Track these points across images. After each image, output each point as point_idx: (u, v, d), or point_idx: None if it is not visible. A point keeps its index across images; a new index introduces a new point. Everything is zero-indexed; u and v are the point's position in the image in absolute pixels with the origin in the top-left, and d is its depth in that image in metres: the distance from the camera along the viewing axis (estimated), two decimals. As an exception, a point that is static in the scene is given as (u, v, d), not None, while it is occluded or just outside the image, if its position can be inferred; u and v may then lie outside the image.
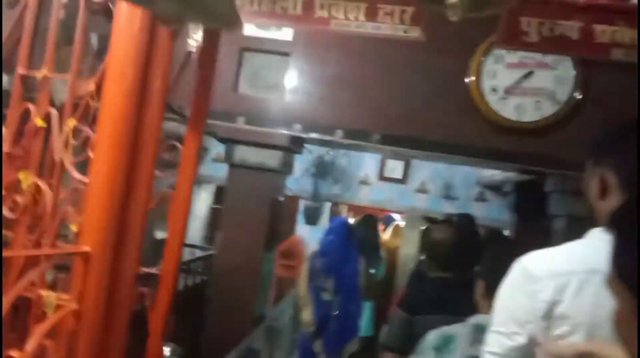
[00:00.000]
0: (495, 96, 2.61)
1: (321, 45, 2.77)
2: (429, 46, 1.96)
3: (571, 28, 1.46)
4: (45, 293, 1.11)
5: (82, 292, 1.06)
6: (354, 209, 5.46)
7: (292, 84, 2.83)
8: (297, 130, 2.81)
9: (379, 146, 2.81)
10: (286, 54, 2.81)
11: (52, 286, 1.23)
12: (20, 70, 1.24)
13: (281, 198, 3.13)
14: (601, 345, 0.80)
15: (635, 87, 1.91)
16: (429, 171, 5.12)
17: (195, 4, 1.04)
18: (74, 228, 1.17)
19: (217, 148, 5.25)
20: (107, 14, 1.22)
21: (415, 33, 1.43)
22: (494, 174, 4.54)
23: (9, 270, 1.26)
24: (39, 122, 1.22)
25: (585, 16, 1.46)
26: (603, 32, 1.47)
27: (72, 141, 1.21)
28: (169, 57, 1.23)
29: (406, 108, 2.71)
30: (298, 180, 5.07)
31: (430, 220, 4.92)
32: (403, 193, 5.14)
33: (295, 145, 2.98)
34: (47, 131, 1.24)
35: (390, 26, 1.48)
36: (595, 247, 0.98)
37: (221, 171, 5.18)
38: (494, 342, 1.03)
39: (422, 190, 5.11)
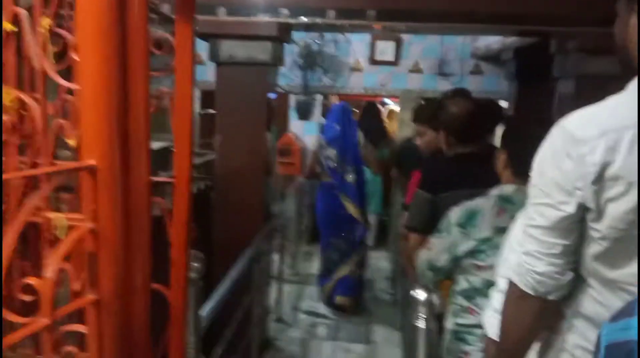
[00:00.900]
0: (497, -48, 2.37)
1: None
2: None
3: None
4: (53, 215, 1.02)
5: (95, 209, 0.97)
6: (346, 99, 5.29)
7: (272, -37, 2.56)
8: (284, 16, 2.59)
9: (374, 23, 2.61)
10: None
11: (57, 209, 1.14)
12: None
13: (274, 94, 2.99)
14: None
15: None
16: (421, 49, 4.90)
17: None
18: (72, 142, 1.06)
19: (197, 49, 4.97)
20: None
21: None
22: (489, 43, 4.35)
23: (7, 198, 1.17)
24: (7, 26, 1.05)
25: None
26: None
27: (50, 46, 1.05)
28: None
29: (401, -23, 2.48)
30: (286, 74, 4.86)
31: (429, 100, 4.81)
32: (396, 76, 4.96)
33: (285, 34, 2.77)
34: (19, 36, 1.08)
35: None
36: None
37: (204, 74, 4.95)
38: (538, 215, 0.97)
39: (415, 70, 4.94)
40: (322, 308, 3.94)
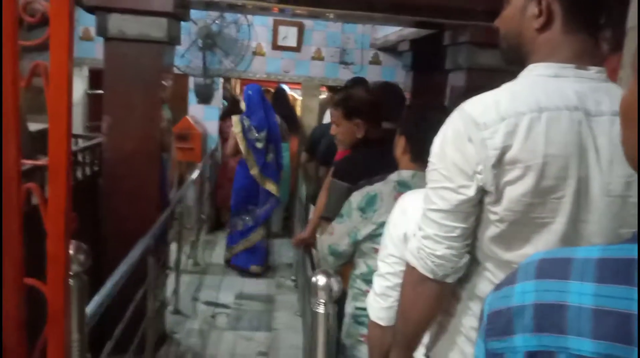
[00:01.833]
0: (396, -59, 2.42)
1: None
2: None
3: None
4: None
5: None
6: (247, 84, 5.18)
7: None
8: (181, -9, 2.45)
9: (274, 5, 2.55)
10: None
11: None
12: None
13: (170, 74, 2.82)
14: None
15: None
16: (323, 36, 4.92)
17: None
18: None
19: (84, 23, 4.57)
20: None
21: None
22: (388, 34, 4.48)
23: None
24: None
25: None
26: None
27: None
28: None
29: (303, -40, 2.45)
30: (185, 55, 4.65)
31: (331, 89, 4.86)
32: (298, 62, 4.94)
33: (181, 11, 2.62)
34: None
35: None
36: (537, 83, 0.94)
37: (92, 50, 4.58)
38: (438, 199, 0.97)
39: (317, 57, 4.95)
40: (223, 298, 3.86)
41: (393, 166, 1.68)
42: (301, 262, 3.54)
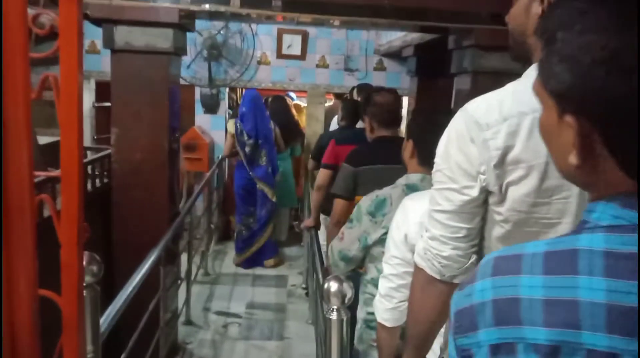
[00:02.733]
0: (399, -53, 2.43)
1: None
2: None
3: None
4: None
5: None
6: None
7: (172, -55, 2.42)
8: (186, 2, 2.46)
9: (281, 13, 2.57)
10: None
11: None
12: None
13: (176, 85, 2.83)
14: None
15: None
16: (327, 44, 4.94)
17: None
18: None
19: (90, 36, 4.61)
20: None
21: None
22: (391, 40, 4.48)
23: None
24: None
25: None
26: None
27: None
28: None
29: (307, -33, 2.46)
30: (190, 66, 4.67)
31: (338, 96, 4.87)
32: (304, 70, 4.96)
33: (187, 21, 2.64)
34: None
35: None
36: None
37: (98, 63, 4.62)
38: (443, 201, 0.97)
39: (322, 65, 4.96)
40: (234, 307, 3.85)
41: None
42: (312, 269, 3.53)
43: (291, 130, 4.87)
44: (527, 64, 0.99)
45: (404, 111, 4.29)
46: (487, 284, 0.59)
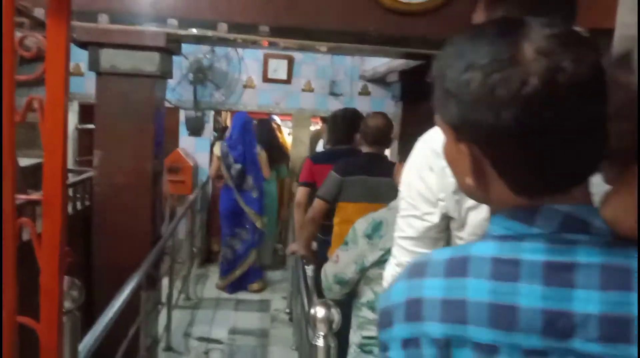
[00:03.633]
0: (384, -24, 2.48)
1: None
2: None
3: None
4: None
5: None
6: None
7: (160, -29, 2.44)
8: (173, 26, 2.48)
9: (265, 39, 2.59)
10: None
11: None
12: None
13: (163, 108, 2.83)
14: None
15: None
16: (313, 69, 4.99)
17: None
18: None
19: (74, 59, 4.59)
20: None
21: None
22: (376, 66, 4.55)
23: None
24: None
25: None
26: None
27: None
28: None
29: (293, -5, 2.49)
30: (175, 89, 4.67)
31: (324, 119, 4.90)
32: (289, 94, 4.99)
33: (173, 45, 2.64)
34: None
35: None
36: None
37: (81, 86, 4.59)
38: (406, 227, 1.00)
39: (307, 89, 5.00)
40: (216, 333, 3.78)
41: (377, 173, 2.49)
42: (296, 293, 3.49)
43: (276, 152, 4.88)
44: None
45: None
46: (402, 286, 0.66)
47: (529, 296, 0.58)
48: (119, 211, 2.62)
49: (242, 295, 4.51)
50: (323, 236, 2.80)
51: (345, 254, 1.72)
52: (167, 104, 3.67)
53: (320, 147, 4.29)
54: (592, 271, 0.58)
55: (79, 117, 5.04)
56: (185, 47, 3.92)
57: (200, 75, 4.69)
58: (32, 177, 2.20)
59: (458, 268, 0.62)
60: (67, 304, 1.41)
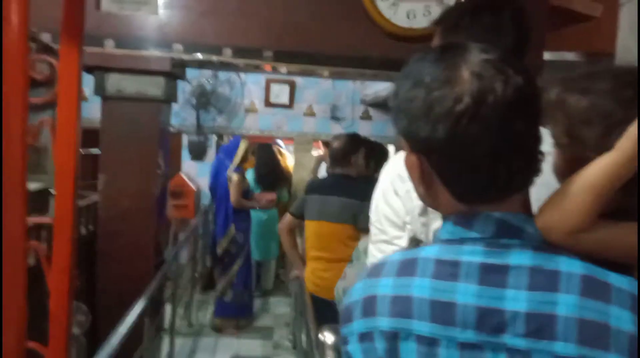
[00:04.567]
0: (386, 2, 2.52)
1: (196, -50, 2.44)
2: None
3: None
4: None
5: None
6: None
7: (165, -3, 2.48)
8: (178, 51, 2.50)
9: (268, 63, 2.62)
10: (154, -38, 2.44)
11: None
12: None
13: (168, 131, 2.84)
14: None
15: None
16: (314, 93, 5.04)
17: None
18: None
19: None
20: None
21: None
22: (378, 90, 4.59)
23: None
24: None
25: None
26: None
27: None
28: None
29: (298, 21, 2.53)
30: (178, 113, 4.70)
31: (326, 144, 4.93)
32: (291, 118, 5.03)
33: (178, 69, 2.67)
34: None
35: None
36: None
37: (85, 111, 4.61)
38: (377, 253, 1.01)
39: (309, 113, 5.04)
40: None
41: (334, 190, 2.76)
42: (300, 319, 3.44)
43: (277, 176, 4.88)
44: None
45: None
46: (360, 285, 0.72)
47: (465, 294, 0.64)
48: (123, 236, 2.60)
49: (243, 322, 4.44)
50: None
51: (351, 270, 1.88)
52: (170, 129, 3.69)
53: (323, 171, 4.29)
54: (521, 273, 0.63)
55: (82, 143, 5.06)
56: (189, 72, 3.97)
57: (203, 99, 4.73)
58: (37, 202, 2.19)
59: (407, 268, 0.69)
60: (74, 329, 1.38)
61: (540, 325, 0.61)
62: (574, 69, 0.82)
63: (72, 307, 1.03)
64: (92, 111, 3.73)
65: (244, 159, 4.26)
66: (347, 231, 2.67)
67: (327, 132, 4.99)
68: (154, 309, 2.66)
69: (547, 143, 0.73)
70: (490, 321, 0.62)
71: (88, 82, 2.59)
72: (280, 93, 4.89)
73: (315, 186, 2.91)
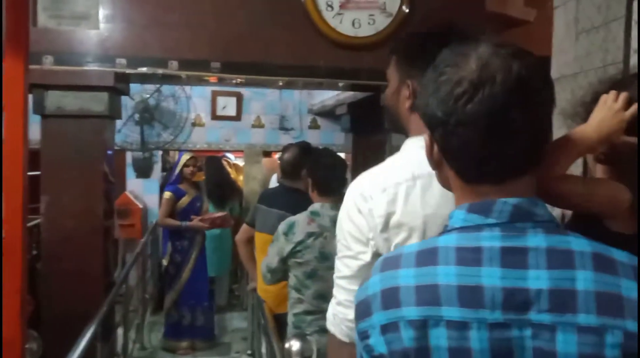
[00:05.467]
0: (331, 12, 2.57)
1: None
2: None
3: None
4: None
5: None
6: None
7: (106, 10, 2.41)
8: (121, 65, 2.44)
9: (215, 75, 2.59)
10: (92, -26, 2.37)
11: None
12: None
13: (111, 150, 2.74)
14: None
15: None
16: (262, 104, 5.03)
17: None
18: None
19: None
20: None
21: None
22: (324, 99, 4.65)
23: None
24: None
25: None
26: None
27: None
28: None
29: (244, 31, 2.53)
30: (121, 130, 4.57)
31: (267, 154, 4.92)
32: (239, 130, 4.99)
33: (122, 84, 2.60)
34: None
35: None
36: (410, 155, 1.06)
37: (22, 131, 4.40)
38: (343, 267, 1.06)
39: (257, 125, 5.02)
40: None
41: (278, 202, 2.76)
42: (258, 333, 3.40)
43: (227, 190, 4.82)
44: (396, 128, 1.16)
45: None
46: (377, 278, 0.74)
47: (491, 277, 0.67)
48: (69, 258, 2.48)
49: (200, 343, 4.33)
50: None
51: (272, 249, 2.24)
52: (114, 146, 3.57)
53: (274, 181, 4.27)
54: (540, 254, 0.68)
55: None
56: (131, 87, 3.88)
57: (147, 115, 4.61)
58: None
59: (428, 258, 0.71)
60: (25, 358, 1.30)
61: (563, 300, 0.66)
62: None
63: (26, 333, 0.98)
64: (30, 131, 3.56)
65: (185, 175, 4.18)
66: None
67: (277, 143, 4.99)
68: (105, 333, 2.55)
69: None
70: (516, 300, 0.66)
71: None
72: (227, 105, 4.85)
73: (265, 197, 2.93)
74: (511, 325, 0.66)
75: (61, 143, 2.49)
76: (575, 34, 1.71)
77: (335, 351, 1.09)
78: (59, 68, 2.38)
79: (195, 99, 4.81)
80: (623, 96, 0.89)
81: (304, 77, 2.68)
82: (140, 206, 4.82)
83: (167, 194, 4.16)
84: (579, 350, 0.65)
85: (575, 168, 1.21)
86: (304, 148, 2.98)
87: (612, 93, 0.90)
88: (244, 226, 2.98)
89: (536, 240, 0.69)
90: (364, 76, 2.71)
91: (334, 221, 1.50)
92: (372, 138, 3.93)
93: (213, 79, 2.88)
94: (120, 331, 3.33)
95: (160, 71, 2.49)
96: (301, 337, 1.44)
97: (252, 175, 5.20)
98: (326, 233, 2.18)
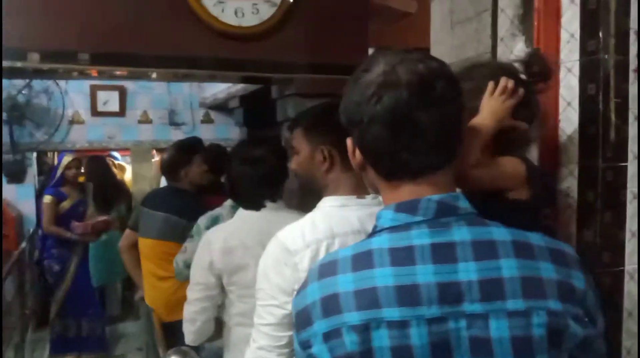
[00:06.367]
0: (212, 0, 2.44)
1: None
2: None
3: None
4: None
5: None
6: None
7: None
8: (-27, 58, 2.13)
9: (89, 68, 2.36)
10: None
11: None
12: None
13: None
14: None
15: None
16: (148, 99, 4.74)
17: None
18: None
19: None
20: None
21: None
22: (216, 92, 4.48)
23: None
24: None
25: None
26: None
27: None
28: None
29: (117, 20, 2.32)
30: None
31: (161, 151, 4.65)
32: (124, 127, 4.66)
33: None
34: None
35: None
36: (331, 213, 1.17)
37: None
38: (267, 315, 1.10)
39: (144, 121, 4.73)
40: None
41: (160, 203, 2.62)
42: (151, 342, 3.20)
43: (112, 192, 4.48)
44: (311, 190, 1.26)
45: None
46: (315, 286, 0.75)
47: (424, 274, 0.70)
48: None
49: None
50: None
51: (191, 244, 2.07)
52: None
53: (164, 182, 4.04)
54: (466, 247, 0.72)
55: None
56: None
57: (16, 113, 4.15)
58: None
59: (364, 261, 0.73)
60: None
61: (492, 289, 0.70)
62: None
63: None
64: None
65: (68, 178, 3.90)
66: (170, 248, 2.48)
67: (167, 139, 4.74)
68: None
69: None
70: (450, 293, 0.70)
71: None
72: (109, 100, 4.50)
73: (149, 199, 2.76)
74: (447, 318, 0.69)
75: None
76: (450, 25, 1.75)
77: None
78: None
79: (72, 94, 4.41)
80: (502, 85, 1.02)
81: (186, 69, 2.53)
82: (14, 214, 4.34)
83: (46, 198, 3.89)
84: (511, 333, 0.69)
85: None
86: (183, 146, 2.82)
87: (491, 84, 1.03)
88: (127, 231, 2.78)
89: (460, 233, 0.73)
90: (251, 67, 2.62)
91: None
92: (266, 131, 3.85)
93: (94, 73, 2.64)
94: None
95: (19, 63, 2.21)
96: (181, 350, 1.34)
97: (141, 174, 4.89)
98: None
